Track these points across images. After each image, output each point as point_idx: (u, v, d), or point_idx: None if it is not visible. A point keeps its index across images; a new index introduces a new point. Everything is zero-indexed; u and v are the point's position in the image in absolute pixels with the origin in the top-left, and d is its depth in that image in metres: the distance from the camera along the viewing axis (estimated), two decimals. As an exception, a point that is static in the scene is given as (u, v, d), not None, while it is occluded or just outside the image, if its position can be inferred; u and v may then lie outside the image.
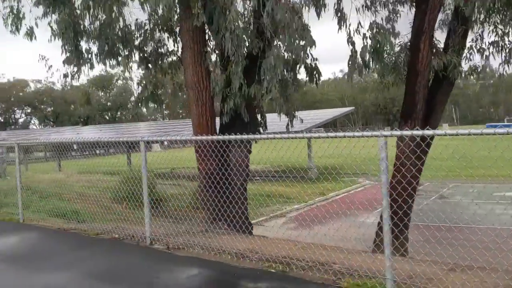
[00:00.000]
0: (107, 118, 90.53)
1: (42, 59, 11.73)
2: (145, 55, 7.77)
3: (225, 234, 5.86)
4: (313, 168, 20.61)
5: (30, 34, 10.28)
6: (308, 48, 6.05)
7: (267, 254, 4.58)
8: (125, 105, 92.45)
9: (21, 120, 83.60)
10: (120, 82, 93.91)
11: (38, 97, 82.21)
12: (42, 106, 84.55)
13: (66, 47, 7.49)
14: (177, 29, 7.35)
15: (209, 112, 6.83)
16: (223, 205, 6.34)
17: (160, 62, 7.81)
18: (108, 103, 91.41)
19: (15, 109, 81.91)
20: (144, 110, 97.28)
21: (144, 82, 7.84)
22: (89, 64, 7.68)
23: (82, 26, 7.30)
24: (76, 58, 7.52)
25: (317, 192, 18.68)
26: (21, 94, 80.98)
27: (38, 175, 18.31)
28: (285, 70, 6.41)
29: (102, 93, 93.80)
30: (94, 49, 7.51)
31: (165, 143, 31.50)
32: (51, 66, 12.06)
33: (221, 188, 6.47)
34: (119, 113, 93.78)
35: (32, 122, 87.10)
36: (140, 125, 45.62)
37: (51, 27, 7.61)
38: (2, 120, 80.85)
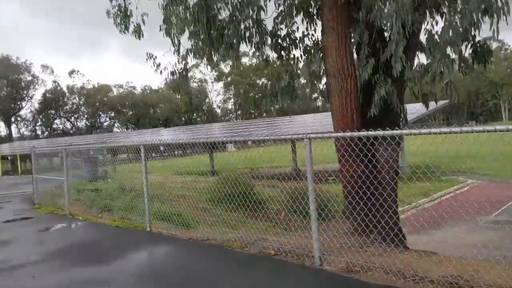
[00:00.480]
0: (184, 120, 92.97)
1: (150, 57, 11.31)
2: (279, 40, 6.89)
3: (393, 251, 4.77)
4: (404, 167, 19.04)
5: (138, 31, 9.93)
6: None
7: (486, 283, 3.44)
8: (201, 107, 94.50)
9: (105, 124, 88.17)
10: (195, 84, 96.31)
11: (121, 101, 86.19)
12: (124, 110, 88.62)
13: (193, 36, 6.83)
14: (314, 10, 6.39)
15: (354, 104, 5.79)
16: (374, 213, 5.31)
17: (293, 48, 6.90)
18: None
19: (100, 113, 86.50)
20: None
21: (276, 72, 6.97)
22: (221, 52, 6.94)
23: (213, 12, 6.59)
24: (208, 46, 6.81)
25: (419, 193, 17.15)
26: (105, 99, 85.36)
27: (137, 176, 18.37)
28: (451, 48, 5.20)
29: (179, 96, 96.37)
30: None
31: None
32: (159, 64, 11.61)
33: (372, 194, 5.45)
34: (194, 114, 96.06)
35: (116, 125, 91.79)
36: (214, 126, 45.81)
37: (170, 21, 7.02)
38: (89, 124, 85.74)
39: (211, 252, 5.93)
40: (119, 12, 9.99)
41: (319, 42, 6.62)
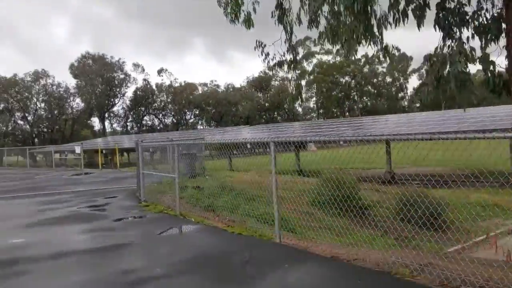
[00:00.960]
0: (265, 118, 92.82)
1: (259, 46, 10.35)
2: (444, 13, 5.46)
3: None
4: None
5: (248, 20, 9.08)
6: None
7: None
8: (282, 105, 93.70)
9: (190, 121, 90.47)
10: (276, 83, 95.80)
11: (205, 99, 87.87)
12: (208, 108, 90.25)
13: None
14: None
15: None
16: None
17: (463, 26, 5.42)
18: (266, 104, 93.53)
19: (186, 111, 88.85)
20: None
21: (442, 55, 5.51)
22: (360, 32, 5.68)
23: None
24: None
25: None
26: (191, 97, 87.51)
27: (231, 174, 17.66)
28: None
29: (261, 94, 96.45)
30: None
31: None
32: (267, 53, 10.65)
33: None
34: (275, 113, 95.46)
35: (200, 122, 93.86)
36: (296, 125, 44.55)
37: None
38: (175, 121, 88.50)
39: (380, 282, 4.62)
40: (230, 1, 9.27)
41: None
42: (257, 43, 10.13)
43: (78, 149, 25.95)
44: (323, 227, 9.08)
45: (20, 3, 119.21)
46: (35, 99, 74.27)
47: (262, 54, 10.28)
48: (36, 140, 73.08)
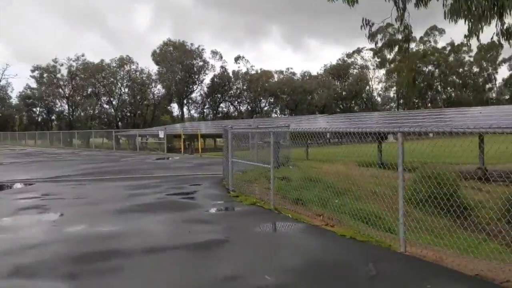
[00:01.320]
0: (341, 107, 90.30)
1: (366, 24, 9.18)
2: None
3: None
4: None
5: None
6: None
7: None
8: (360, 94, 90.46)
9: (265, 109, 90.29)
10: (355, 71, 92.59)
11: (280, 87, 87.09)
12: (283, 96, 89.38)
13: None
14: None
15: None
16: None
17: None
18: (343, 93, 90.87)
19: (261, 98, 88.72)
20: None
21: None
22: None
23: None
24: None
25: None
26: (266, 84, 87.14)
27: (314, 165, 16.61)
28: None
29: (338, 82, 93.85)
30: None
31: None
32: (374, 33, 9.47)
33: None
34: (353, 102, 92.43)
35: (274, 111, 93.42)
36: (375, 115, 42.22)
37: None
38: (250, 109, 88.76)
39: None
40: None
41: None
42: (364, 21, 9.03)
43: (161, 134, 26.25)
44: (436, 232, 7.88)
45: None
46: (119, 84, 77.82)
47: (368, 34, 9.17)
48: (119, 123, 76.70)
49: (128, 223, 7.27)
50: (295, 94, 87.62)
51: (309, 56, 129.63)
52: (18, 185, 13.00)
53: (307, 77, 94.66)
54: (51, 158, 24.71)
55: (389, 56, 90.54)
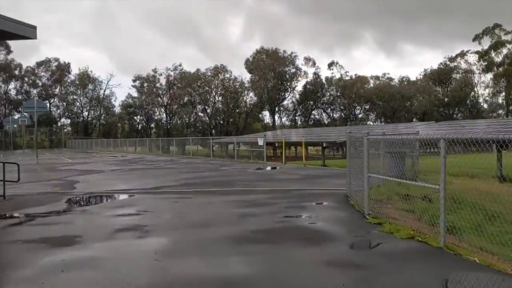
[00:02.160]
0: (443, 114, 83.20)
1: None
2: None
3: None
4: None
5: None
6: None
7: None
8: (464, 100, 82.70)
9: (360, 116, 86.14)
10: (458, 76, 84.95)
11: (377, 93, 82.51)
12: (380, 102, 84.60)
13: None
14: None
15: None
16: None
17: None
18: (446, 99, 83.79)
19: (356, 105, 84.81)
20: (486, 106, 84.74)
21: None
22: None
23: None
24: None
25: None
26: (361, 91, 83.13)
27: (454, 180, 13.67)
28: None
29: (439, 88, 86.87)
30: None
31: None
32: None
33: None
34: (456, 109, 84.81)
35: (369, 118, 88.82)
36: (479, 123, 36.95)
37: None
38: (343, 116, 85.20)
39: None
40: None
41: None
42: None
43: (261, 141, 24.67)
44: None
45: (201, 5, 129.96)
46: (213, 93, 78.89)
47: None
48: (213, 131, 77.62)
49: (252, 263, 5.35)
50: (393, 100, 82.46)
51: (403, 61, 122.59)
52: (117, 197, 11.90)
53: (405, 83, 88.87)
54: (151, 166, 24.22)
55: (497, 59, 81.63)
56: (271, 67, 79.08)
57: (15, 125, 63.40)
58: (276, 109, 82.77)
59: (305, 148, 23.68)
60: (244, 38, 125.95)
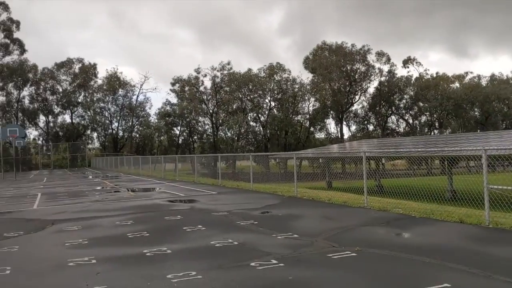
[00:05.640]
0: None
1: None
2: None
3: None
4: None
5: None
6: None
7: None
8: None
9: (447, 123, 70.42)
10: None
11: (468, 94, 66.68)
12: (466, 106, 68.89)
13: None
14: None
15: None
16: None
17: None
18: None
19: (438, 110, 69.08)
20: None
21: None
22: None
23: None
24: None
25: None
26: (447, 92, 67.64)
27: None
28: None
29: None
30: None
31: None
32: None
33: None
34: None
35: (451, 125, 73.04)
36: None
37: None
38: (427, 122, 69.71)
39: None
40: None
41: None
42: None
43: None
44: None
45: (239, 2, 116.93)
46: (268, 97, 64.70)
47: None
48: (268, 144, 63.24)
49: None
50: (487, 103, 66.67)
51: (476, 60, 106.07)
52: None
53: (495, 82, 72.80)
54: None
55: None
56: (336, 65, 64.41)
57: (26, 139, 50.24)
58: (344, 116, 67.70)
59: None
60: (294, 34, 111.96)
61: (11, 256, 6.50)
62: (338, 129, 67.93)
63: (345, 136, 68.31)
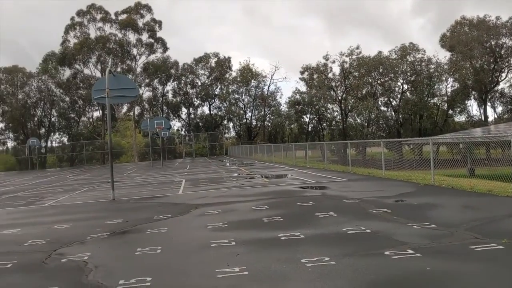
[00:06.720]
0: None
1: None
2: None
3: None
4: None
5: None
6: None
7: None
8: None
9: None
10: None
11: None
12: None
13: None
14: None
15: None
16: None
17: None
18: None
19: None
20: None
21: None
22: None
23: None
24: None
25: None
26: None
27: None
28: None
29: None
30: None
31: None
32: None
33: None
34: None
35: None
36: None
37: None
38: None
39: None
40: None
41: None
42: None
43: None
44: None
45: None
46: (401, 80, 61.50)
47: None
48: (401, 129, 60.25)
49: None
50: None
51: None
52: None
53: None
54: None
55: None
56: (479, 40, 58.25)
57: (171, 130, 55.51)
58: (489, 96, 61.14)
59: None
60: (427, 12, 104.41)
61: (161, 236, 7.35)
62: (481, 111, 61.63)
63: (490, 119, 61.79)
